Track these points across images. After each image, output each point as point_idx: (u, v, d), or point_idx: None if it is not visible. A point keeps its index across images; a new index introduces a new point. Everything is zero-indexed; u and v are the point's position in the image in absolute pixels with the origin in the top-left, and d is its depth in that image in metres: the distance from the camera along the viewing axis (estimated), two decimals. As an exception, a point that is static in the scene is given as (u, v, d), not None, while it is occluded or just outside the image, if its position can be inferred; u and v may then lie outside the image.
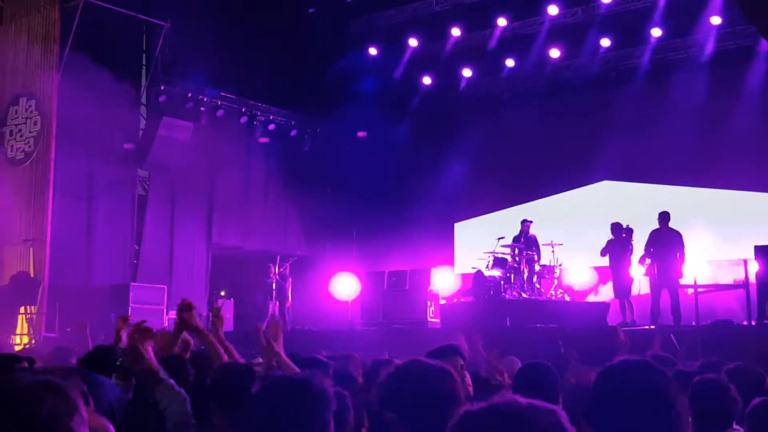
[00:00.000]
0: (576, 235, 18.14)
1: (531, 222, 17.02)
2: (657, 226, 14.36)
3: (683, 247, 14.04)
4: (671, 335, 11.75)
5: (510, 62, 21.10)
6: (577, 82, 20.59)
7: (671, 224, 14.32)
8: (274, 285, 18.31)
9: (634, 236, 14.89)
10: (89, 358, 5.11)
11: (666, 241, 14.06)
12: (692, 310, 13.20)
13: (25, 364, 5.53)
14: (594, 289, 18.20)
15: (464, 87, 22.00)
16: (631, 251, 14.78)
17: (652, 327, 13.29)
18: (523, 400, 1.76)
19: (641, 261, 14.34)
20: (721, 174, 18.39)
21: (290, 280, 18.73)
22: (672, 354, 8.32)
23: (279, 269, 18.71)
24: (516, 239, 16.85)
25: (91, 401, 2.66)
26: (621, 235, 14.88)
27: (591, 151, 19.63)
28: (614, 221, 15.14)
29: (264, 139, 21.94)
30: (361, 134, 22.03)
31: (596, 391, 2.49)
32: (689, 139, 18.29)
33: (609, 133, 19.38)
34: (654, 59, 19.72)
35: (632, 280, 14.94)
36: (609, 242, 14.95)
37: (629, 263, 14.81)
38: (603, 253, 15.00)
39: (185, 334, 5.37)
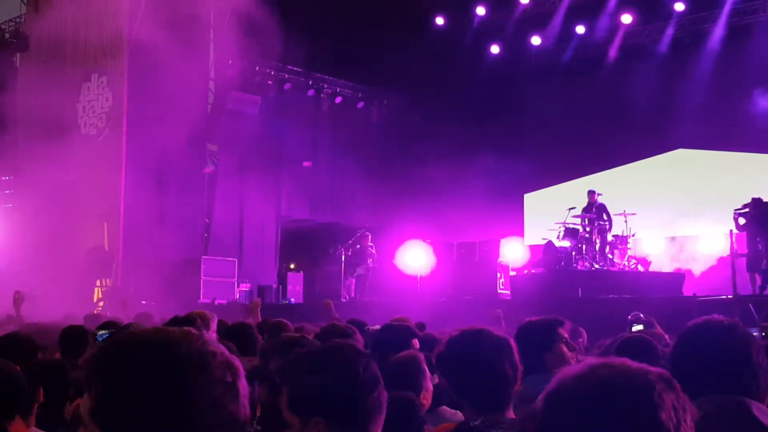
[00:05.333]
0: (650, 204, 17.74)
1: (600, 194, 16.64)
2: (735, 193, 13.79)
3: None
4: (749, 304, 11.44)
5: (580, 29, 20.71)
6: (650, 47, 20.11)
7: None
8: (344, 258, 18.34)
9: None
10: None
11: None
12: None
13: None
14: (669, 259, 17.74)
15: (533, 55, 21.67)
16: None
17: (729, 297, 12.93)
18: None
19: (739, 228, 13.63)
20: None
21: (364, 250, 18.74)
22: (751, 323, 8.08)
23: (353, 243, 18.70)
24: (585, 210, 16.54)
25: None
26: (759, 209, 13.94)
27: (665, 119, 19.17)
28: (756, 196, 14.26)
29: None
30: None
31: (676, 351, 2.36)
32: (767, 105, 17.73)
33: (683, 99, 18.89)
34: (730, 22, 19.11)
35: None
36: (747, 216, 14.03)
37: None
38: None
39: None
